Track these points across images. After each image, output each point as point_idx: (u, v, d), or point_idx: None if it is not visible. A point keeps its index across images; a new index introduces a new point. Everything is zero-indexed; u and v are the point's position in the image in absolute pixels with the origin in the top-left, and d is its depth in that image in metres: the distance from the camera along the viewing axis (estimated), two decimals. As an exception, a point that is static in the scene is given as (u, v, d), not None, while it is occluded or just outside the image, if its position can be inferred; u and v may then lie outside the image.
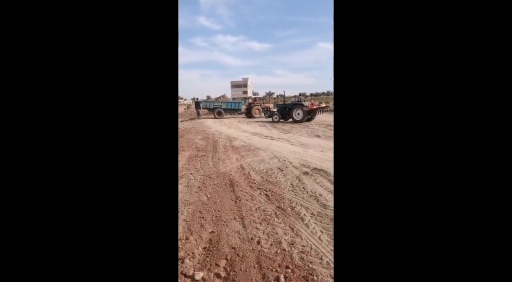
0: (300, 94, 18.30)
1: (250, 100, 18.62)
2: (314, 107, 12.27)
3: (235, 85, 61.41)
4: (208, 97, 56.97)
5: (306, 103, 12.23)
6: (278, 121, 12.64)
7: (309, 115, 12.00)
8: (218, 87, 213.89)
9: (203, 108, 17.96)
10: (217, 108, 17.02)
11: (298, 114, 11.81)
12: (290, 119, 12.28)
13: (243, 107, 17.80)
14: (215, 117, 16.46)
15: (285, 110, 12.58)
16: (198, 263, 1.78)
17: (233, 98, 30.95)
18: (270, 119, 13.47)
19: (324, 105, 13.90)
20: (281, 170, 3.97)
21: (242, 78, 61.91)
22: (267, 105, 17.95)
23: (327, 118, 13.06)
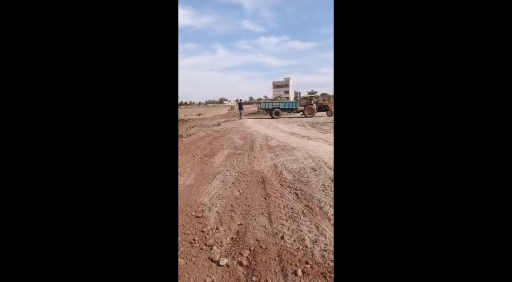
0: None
1: (305, 100, 18.34)
2: None
3: (277, 86, 61.60)
4: (251, 98, 58.46)
5: None
6: None
7: None
8: (261, 88, 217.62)
9: (261, 109, 18.30)
10: (274, 109, 16.64)
11: None
12: None
13: (300, 107, 17.29)
14: (272, 118, 16.23)
15: None
16: (225, 251, 1.94)
17: (274, 99, 31.41)
18: (314, 119, 12.16)
19: None
20: (314, 170, 3.93)
21: (284, 78, 61.84)
22: (326, 103, 16.89)
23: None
